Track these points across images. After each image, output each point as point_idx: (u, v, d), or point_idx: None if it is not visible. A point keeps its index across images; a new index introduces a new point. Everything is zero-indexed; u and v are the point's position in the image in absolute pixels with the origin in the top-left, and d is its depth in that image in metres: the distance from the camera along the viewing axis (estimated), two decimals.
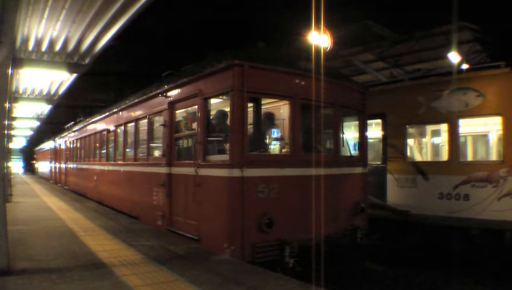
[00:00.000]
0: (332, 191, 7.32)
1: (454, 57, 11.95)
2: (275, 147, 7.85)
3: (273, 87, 6.60)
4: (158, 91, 8.48)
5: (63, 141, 22.53)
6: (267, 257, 6.15)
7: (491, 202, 8.53)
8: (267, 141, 7.68)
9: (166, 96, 8.12)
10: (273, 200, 6.41)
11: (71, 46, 12.11)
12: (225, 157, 6.33)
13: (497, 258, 8.24)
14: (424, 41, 12.58)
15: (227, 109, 6.47)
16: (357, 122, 8.55)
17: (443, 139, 10.31)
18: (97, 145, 14.13)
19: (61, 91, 18.06)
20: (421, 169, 9.72)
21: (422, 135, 11.20)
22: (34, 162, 51.33)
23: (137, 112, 9.94)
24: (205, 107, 6.89)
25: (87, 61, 12.76)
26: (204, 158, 6.78)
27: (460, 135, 9.65)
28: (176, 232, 7.50)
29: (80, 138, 17.32)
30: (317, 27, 7.48)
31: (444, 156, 9.92)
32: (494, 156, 10.19)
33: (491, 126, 10.31)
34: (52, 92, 18.65)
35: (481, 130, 11.05)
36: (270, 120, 7.86)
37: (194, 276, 4.73)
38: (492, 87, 8.87)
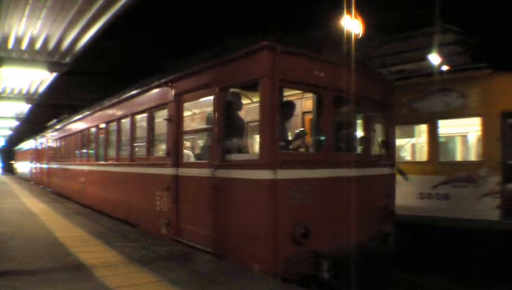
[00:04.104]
0: (365, 194, 6.20)
1: (436, 58, 11.86)
2: (295, 144, 6.63)
3: (305, 77, 5.37)
4: (162, 81, 7.09)
5: (45, 140, 20.52)
6: (301, 273, 4.94)
7: (471, 202, 8.21)
8: (290, 136, 6.45)
9: (172, 87, 6.76)
10: (307, 206, 5.18)
11: (52, 44, 11.59)
12: (253, 156, 5.05)
13: (481, 258, 7.71)
14: (408, 43, 12.34)
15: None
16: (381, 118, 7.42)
17: (424, 140, 9.89)
18: (84, 144, 12.48)
19: (41, 90, 16.91)
20: (401, 169, 8.92)
21: (404, 135, 10.77)
22: (13, 162, 48.35)
23: (134, 106, 8.48)
24: (223, 99, 5.59)
25: (68, 60, 12.36)
26: (223, 157, 5.48)
27: (441, 135, 9.42)
28: (185, 243, 6.17)
29: (65, 137, 15.51)
30: (348, 11, 6.33)
31: (424, 156, 9.49)
32: (474, 157, 9.86)
33: (471, 127, 9.89)
34: (32, 91, 17.54)
35: (461, 130, 10.79)
36: (291, 112, 6.62)
37: (176, 277, 4.49)
38: (473, 88, 8.59)
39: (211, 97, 5.83)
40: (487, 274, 7.40)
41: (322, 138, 5.80)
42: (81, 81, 20.49)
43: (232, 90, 5.78)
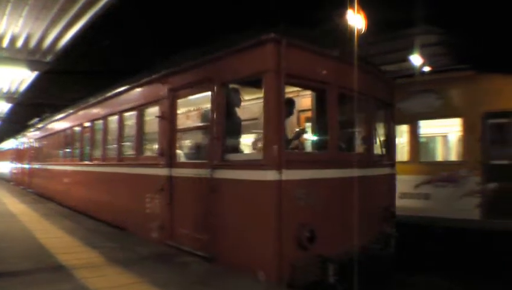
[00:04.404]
0: (368, 195, 5.93)
1: (418, 59, 11.73)
2: (294, 143, 6.30)
3: (311, 72, 5.05)
4: (154, 77, 6.66)
5: (26, 140, 19.66)
6: (307, 278, 4.61)
7: (452, 202, 8.17)
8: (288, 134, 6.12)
9: (166, 83, 6.34)
10: (313, 208, 4.86)
11: (33, 43, 11.26)
12: (255, 155, 4.70)
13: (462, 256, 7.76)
14: (390, 44, 12.37)
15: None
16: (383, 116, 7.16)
17: (405, 140, 9.79)
18: (68, 143, 11.87)
19: (22, 89, 16.39)
20: None
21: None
22: None
23: (123, 104, 8.01)
24: (223, 95, 5.22)
25: (49, 58, 12.08)
26: (222, 157, 5.11)
27: (422, 136, 9.41)
28: (179, 248, 5.76)
29: (47, 136, 14.81)
30: (350, 7, 6.04)
31: (405, 156, 9.39)
32: (455, 157, 9.86)
33: (453, 128, 9.84)
34: (13, 90, 16.83)
35: (443, 131, 10.78)
36: (291, 110, 6.29)
37: (158, 278, 4.40)
38: (454, 89, 8.60)
39: (208, 93, 5.46)
40: (469, 272, 7.40)
41: (325, 137, 5.52)
42: (63, 80, 19.85)
43: (231, 86, 5.40)
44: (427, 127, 9.59)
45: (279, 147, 4.48)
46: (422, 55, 13.39)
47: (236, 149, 5.32)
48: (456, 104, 8.58)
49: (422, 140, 9.91)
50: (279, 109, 4.55)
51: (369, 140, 6.41)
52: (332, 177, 5.27)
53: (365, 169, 5.95)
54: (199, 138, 6.01)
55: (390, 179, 6.97)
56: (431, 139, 11.28)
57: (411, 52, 12.12)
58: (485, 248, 7.54)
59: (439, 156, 11.21)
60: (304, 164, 4.86)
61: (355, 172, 5.61)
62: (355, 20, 5.96)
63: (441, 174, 8.49)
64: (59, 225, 7.87)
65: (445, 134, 10.95)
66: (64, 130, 12.24)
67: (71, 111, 11.56)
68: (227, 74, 5.14)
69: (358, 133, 6.50)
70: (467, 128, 8.30)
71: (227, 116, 5.30)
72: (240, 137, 5.91)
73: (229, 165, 4.98)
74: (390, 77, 7.62)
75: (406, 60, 12.65)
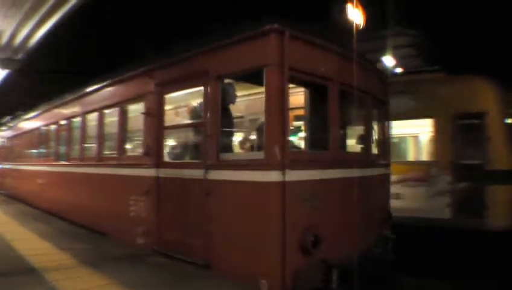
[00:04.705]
0: (367, 196, 5.67)
1: (390, 60, 11.74)
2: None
3: (314, 67, 4.71)
4: (139, 71, 6.16)
5: None
6: (311, 285, 4.30)
7: (423, 201, 8.18)
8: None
9: (153, 77, 5.85)
10: (316, 211, 4.52)
11: (3, 40, 11.21)
12: (257, 155, 4.31)
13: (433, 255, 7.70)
14: (363, 45, 12.23)
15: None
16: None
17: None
18: (42, 142, 11.08)
19: None
20: None
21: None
22: None
23: (103, 100, 7.44)
24: (219, 89, 4.80)
25: (20, 56, 12.02)
26: (218, 156, 4.69)
27: (393, 136, 9.14)
28: (168, 255, 5.30)
29: (19, 135, 13.88)
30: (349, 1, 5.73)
31: None
32: (426, 157, 9.83)
33: (424, 128, 9.85)
34: None
35: (414, 131, 10.67)
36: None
37: (129, 279, 4.35)
38: (426, 91, 8.58)
39: (201, 88, 5.04)
40: (437, 271, 7.38)
41: (323, 135, 5.20)
42: (37, 78, 18.97)
43: (226, 80, 4.98)
44: (399, 128, 9.46)
45: (283, 145, 4.11)
46: (395, 56, 13.41)
47: (232, 148, 4.91)
48: (427, 105, 8.54)
49: (394, 140, 9.77)
50: (282, 105, 4.18)
51: (367, 139, 6.14)
52: (335, 177, 4.96)
53: (365, 169, 5.68)
54: (190, 136, 5.56)
55: (386, 180, 6.73)
56: (403, 139, 11.26)
57: (383, 54, 12.05)
58: (458, 247, 7.50)
59: (411, 156, 11.21)
60: (307, 164, 4.50)
61: (356, 172, 5.34)
62: (355, 14, 5.65)
63: (412, 174, 8.45)
64: (30, 226, 7.59)
65: (416, 134, 10.92)
66: (38, 129, 11.44)
67: (46, 108, 10.79)
68: (223, 67, 4.73)
69: (357, 131, 6.24)
70: (438, 129, 8.32)
71: (222, 113, 4.89)
72: (234, 136, 5.52)
73: (226, 166, 4.57)
74: (385, 74, 7.38)
75: (378, 61, 12.61)
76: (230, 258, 4.48)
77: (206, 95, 4.90)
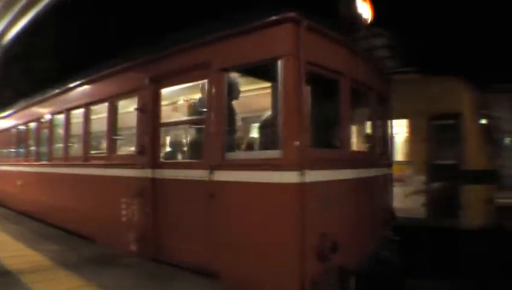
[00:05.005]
0: (374, 197, 5.41)
1: None
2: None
3: (328, 61, 4.37)
4: (132, 64, 5.66)
5: None
6: None
7: (398, 201, 7.91)
8: None
9: (147, 70, 5.37)
10: (333, 214, 4.19)
11: None
12: (271, 153, 3.92)
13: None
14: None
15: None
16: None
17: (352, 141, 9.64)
18: (21, 141, 10.33)
19: None
20: None
21: None
22: None
23: (90, 95, 6.88)
24: (224, 82, 4.37)
25: None
26: (223, 156, 4.27)
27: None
28: (167, 262, 4.85)
29: None
30: None
31: None
32: (401, 157, 9.79)
33: (399, 128, 9.83)
34: None
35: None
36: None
37: (104, 280, 4.29)
38: (401, 91, 8.40)
39: (202, 82, 4.62)
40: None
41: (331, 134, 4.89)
42: (12, 74, 18.03)
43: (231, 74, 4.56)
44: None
45: (302, 143, 3.75)
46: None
47: (238, 147, 4.51)
48: (402, 106, 8.46)
49: None
50: (300, 98, 3.81)
51: (372, 138, 5.86)
52: (348, 178, 4.63)
53: (371, 169, 5.41)
54: (190, 133, 5.12)
55: (389, 179, 6.49)
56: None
57: None
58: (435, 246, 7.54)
59: None
60: (324, 164, 4.15)
61: (365, 172, 5.07)
62: (363, 8, 5.33)
63: None
64: (2, 227, 7.41)
65: (393, 135, 11.06)
66: (15, 127, 10.67)
67: (26, 105, 10.03)
68: (229, 59, 4.30)
69: (361, 130, 5.96)
70: (414, 130, 8.35)
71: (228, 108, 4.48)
72: (237, 133, 5.12)
73: (234, 166, 4.16)
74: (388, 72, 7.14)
75: None
76: (240, 266, 4.08)
77: (209, 89, 4.47)
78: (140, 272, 4.67)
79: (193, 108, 5.11)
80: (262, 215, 3.88)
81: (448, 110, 7.75)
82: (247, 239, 4.02)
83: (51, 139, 8.30)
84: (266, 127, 4.70)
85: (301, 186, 3.68)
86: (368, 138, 5.92)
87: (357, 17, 5.27)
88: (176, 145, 5.69)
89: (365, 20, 5.48)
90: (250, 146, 5.16)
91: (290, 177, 3.67)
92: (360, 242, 4.70)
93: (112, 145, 6.24)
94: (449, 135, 7.92)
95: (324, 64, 4.28)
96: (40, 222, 7.97)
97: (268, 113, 4.88)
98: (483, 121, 8.19)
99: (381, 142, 6.50)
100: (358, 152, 5.24)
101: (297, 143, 3.70)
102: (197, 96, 5.00)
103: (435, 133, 8.03)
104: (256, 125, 5.11)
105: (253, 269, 3.96)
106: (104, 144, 6.59)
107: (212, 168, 4.30)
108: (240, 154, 4.30)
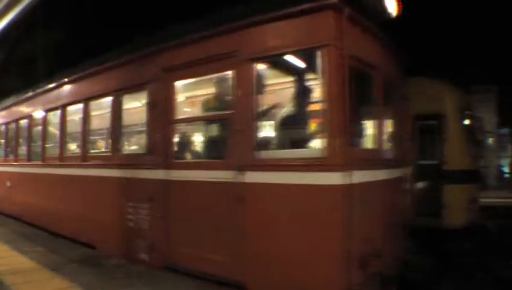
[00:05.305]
0: (400, 198, 5.12)
1: None
2: None
3: (366, 54, 4.01)
4: (141, 53, 5.16)
5: None
6: None
7: None
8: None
9: (159, 60, 4.88)
10: (371, 218, 3.82)
11: None
12: (313, 152, 3.51)
13: None
14: None
15: None
16: None
17: None
18: (10, 139, 9.60)
19: None
20: None
21: None
22: None
23: (90, 89, 6.32)
24: (253, 73, 3.93)
25: None
26: (254, 155, 3.83)
27: None
28: (187, 273, 4.38)
29: None
30: None
31: None
32: None
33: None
34: None
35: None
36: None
37: (88, 281, 4.29)
38: None
39: (225, 73, 4.18)
40: None
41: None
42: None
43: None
44: None
45: (348, 141, 3.35)
46: None
47: (269, 145, 4.08)
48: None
49: None
50: (344, 92, 3.41)
51: (397, 137, 5.52)
52: (384, 179, 4.26)
53: (398, 169, 5.09)
54: (210, 130, 4.64)
55: (409, 180, 6.17)
56: None
57: None
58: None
59: None
60: (366, 164, 3.76)
61: (395, 173, 4.74)
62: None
63: None
64: None
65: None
66: (4, 124, 9.95)
67: (16, 101, 9.32)
68: (260, 47, 3.87)
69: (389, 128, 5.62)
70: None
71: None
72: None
73: (267, 166, 3.72)
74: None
75: None
76: (273, 277, 3.64)
77: (236, 82, 4.02)
78: (127, 274, 4.66)
79: (213, 102, 4.64)
80: (301, 220, 3.47)
81: (432, 111, 7.64)
82: (282, 247, 3.60)
83: (45, 138, 7.67)
84: (287, 124, 4.31)
85: (349, 188, 3.28)
86: (393, 137, 5.57)
87: (385, 9, 4.91)
88: (191, 143, 5.21)
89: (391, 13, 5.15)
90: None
91: (337, 178, 3.26)
92: (392, 245, 4.36)
93: (116, 144, 5.71)
94: (432, 135, 7.83)
95: (361, 56, 3.91)
96: (24, 224, 7.76)
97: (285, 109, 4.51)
98: (466, 122, 8.07)
99: (404, 141, 6.20)
100: (389, 151, 4.87)
101: (343, 141, 3.30)
102: (221, 89, 4.54)
103: (418, 134, 7.82)
104: (270, 122, 4.68)
105: (288, 281, 3.54)
106: (106, 143, 6.05)
107: (241, 168, 3.85)
108: (275, 153, 3.85)
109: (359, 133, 4.32)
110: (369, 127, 4.45)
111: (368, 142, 4.39)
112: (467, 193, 7.43)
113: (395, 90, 5.32)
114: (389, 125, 5.40)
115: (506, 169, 22.84)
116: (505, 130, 23.10)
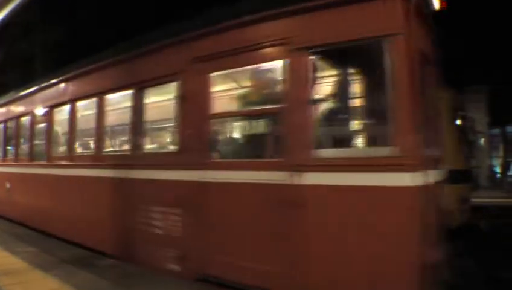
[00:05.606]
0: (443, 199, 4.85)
1: None
2: None
3: (424, 46, 3.78)
4: (168, 42, 4.74)
5: None
6: None
7: None
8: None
9: (189, 50, 4.48)
10: (432, 220, 3.51)
11: None
12: (382, 150, 3.17)
13: None
14: None
15: None
16: None
17: None
18: (11, 138, 8.97)
19: None
20: None
21: None
22: None
23: (106, 81, 5.84)
24: (308, 64, 3.57)
25: None
26: (310, 154, 3.47)
27: None
28: (220, 284, 4.01)
29: None
30: None
31: None
32: None
33: None
34: None
35: None
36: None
37: (80, 282, 4.28)
38: None
39: (275, 63, 3.81)
40: None
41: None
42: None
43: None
44: None
45: (421, 139, 3.05)
46: None
47: (331, 142, 3.73)
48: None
49: None
50: (416, 85, 3.10)
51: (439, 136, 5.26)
52: (438, 180, 3.98)
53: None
54: (255, 126, 4.26)
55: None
56: None
57: None
58: None
59: None
60: (432, 163, 3.47)
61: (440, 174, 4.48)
62: None
63: None
64: None
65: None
66: (3, 122, 9.34)
67: (14, 97, 8.71)
68: (317, 36, 3.52)
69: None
70: None
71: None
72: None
73: (330, 166, 3.36)
74: None
75: None
76: (338, 287, 3.30)
77: (289, 73, 3.65)
78: (119, 274, 4.67)
79: (255, 96, 4.26)
80: (373, 225, 3.14)
81: None
82: (349, 257, 3.25)
83: (49, 136, 7.14)
84: (330, 119, 3.97)
85: (424, 190, 2.99)
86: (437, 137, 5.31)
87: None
88: (229, 141, 4.81)
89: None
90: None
91: (410, 179, 2.95)
92: (440, 250, 4.09)
93: (139, 142, 5.27)
94: None
95: (424, 49, 3.64)
96: (15, 224, 7.72)
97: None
98: (459, 122, 8.05)
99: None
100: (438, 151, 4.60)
101: (417, 138, 3.02)
102: (269, 80, 4.16)
103: None
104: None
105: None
106: (125, 140, 5.61)
107: (297, 169, 3.49)
108: (337, 152, 3.49)
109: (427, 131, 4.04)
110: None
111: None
112: (459, 192, 7.30)
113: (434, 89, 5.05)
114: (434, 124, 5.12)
115: (497, 169, 22.98)
116: (496, 131, 23.23)
